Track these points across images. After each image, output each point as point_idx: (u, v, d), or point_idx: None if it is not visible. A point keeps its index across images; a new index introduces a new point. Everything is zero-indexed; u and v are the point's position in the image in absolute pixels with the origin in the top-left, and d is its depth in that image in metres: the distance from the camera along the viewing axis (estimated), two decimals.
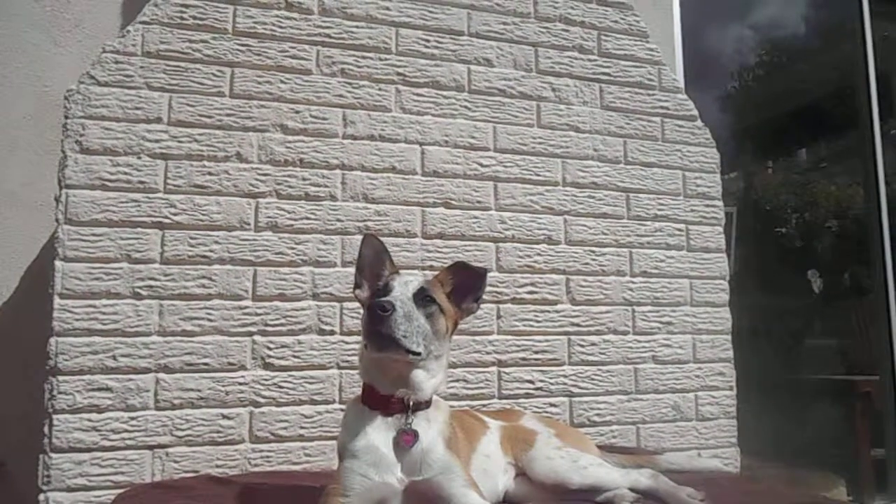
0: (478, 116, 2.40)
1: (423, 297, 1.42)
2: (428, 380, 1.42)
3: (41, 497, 1.84)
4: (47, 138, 2.38)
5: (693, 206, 2.62)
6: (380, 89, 2.30)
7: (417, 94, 2.34)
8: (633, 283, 2.49)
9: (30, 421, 1.95)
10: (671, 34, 3.22)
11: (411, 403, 1.40)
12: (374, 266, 1.52)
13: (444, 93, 2.37)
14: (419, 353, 1.37)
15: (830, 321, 4.69)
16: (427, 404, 1.44)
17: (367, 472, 1.35)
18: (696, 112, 2.69)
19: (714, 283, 2.61)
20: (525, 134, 2.44)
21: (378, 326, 1.33)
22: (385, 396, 1.41)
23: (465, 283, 1.51)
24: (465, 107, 2.39)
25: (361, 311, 1.47)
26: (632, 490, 1.60)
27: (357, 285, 1.54)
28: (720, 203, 2.66)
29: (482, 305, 2.24)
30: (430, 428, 1.42)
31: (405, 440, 1.38)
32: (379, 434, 1.39)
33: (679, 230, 2.59)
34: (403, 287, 1.42)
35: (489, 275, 2.29)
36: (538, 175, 2.44)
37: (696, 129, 2.68)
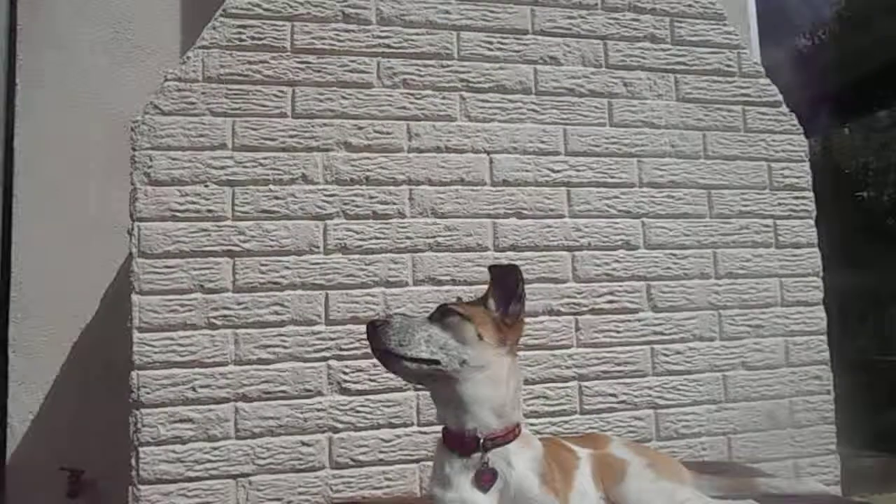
0: (546, 119, 2.28)
1: (440, 313, 1.40)
2: (481, 395, 1.35)
3: None
4: (115, 161, 2.38)
5: (781, 200, 2.45)
6: (443, 98, 2.21)
7: (482, 100, 2.24)
8: (718, 285, 2.35)
9: (116, 442, 1.99)
10: None
11: (482, 440, 1.34)
12: None
13: (510, 97, 2.26)
14: (437, 361, 1.33)
15: None
16: (507, 438, 1.37)
17: None
18: (780, 97, 2.50)
19: (806, 280, 2.43)
20: (597, 134, 2.32)
21: (371, 344, 1.34)
22: (458, 435, 1.36)
23: (505, 286, 1.43)
24: (533, 110, 2.28)
25: None
26: None
27: None
28: (810, 194, 2.48)
29: (559, 318, 2.21)
30: (518, 464, 1.35)
31: (484, 480, 1.33)
32: (461, 478, 1.34)
33: (766, 226, 2.42)
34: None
35: (566, 285, 2.23)
36: (613, 177, 2.31)
37: (781, 115, 2.49)
